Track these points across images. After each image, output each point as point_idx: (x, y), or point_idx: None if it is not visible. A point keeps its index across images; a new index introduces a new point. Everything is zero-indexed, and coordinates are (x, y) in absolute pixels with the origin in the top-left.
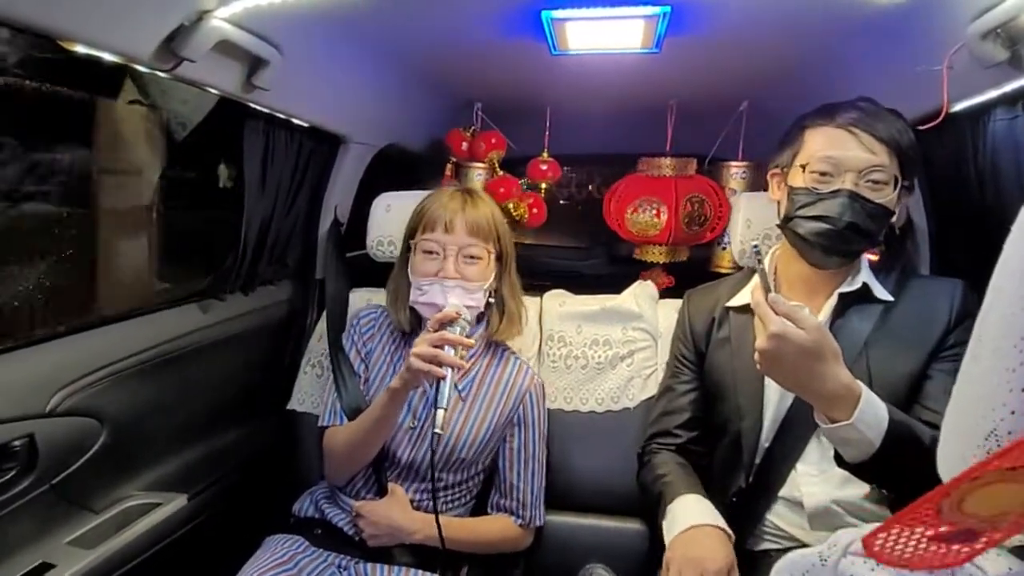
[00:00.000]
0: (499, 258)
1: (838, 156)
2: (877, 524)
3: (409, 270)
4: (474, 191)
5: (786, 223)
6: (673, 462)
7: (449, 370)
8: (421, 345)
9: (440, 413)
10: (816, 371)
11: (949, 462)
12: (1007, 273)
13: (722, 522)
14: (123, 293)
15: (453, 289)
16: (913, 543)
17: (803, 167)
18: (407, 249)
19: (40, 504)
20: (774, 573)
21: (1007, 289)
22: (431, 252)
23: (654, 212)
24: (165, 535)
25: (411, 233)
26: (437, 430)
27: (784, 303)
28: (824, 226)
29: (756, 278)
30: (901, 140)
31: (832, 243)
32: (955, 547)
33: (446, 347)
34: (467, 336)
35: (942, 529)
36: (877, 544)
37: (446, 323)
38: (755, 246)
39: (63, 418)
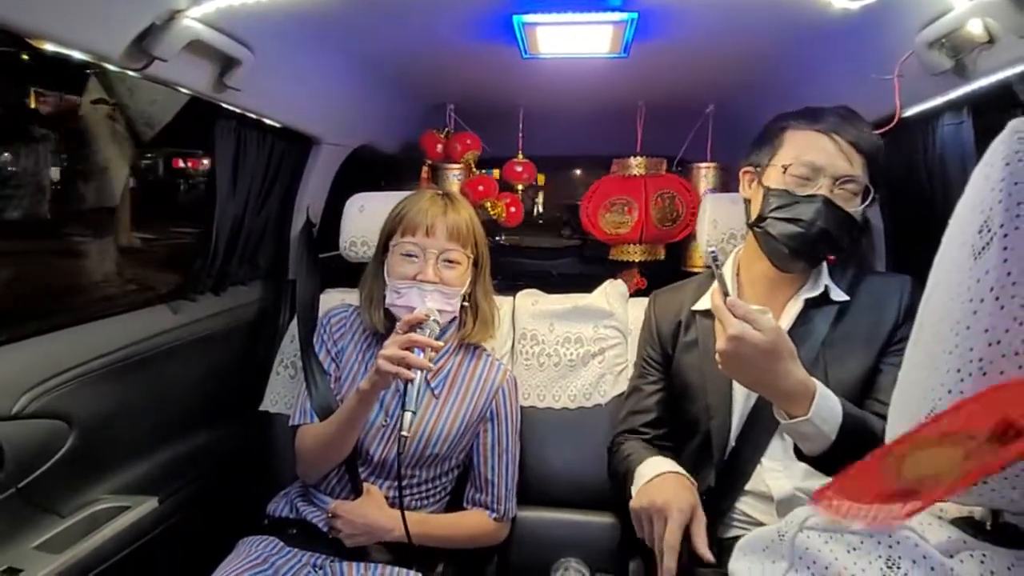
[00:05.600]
0: (475, 263)
1: (818, 161)
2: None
3: (386, 272)
4: (453, 195)
5: (758, 222)
6: (639, 444)
7: (418, 372)
8: (390, 347)
9: (407, 416)
10: (773, 370)
11: None
12: (944, 264)
13: (685, 472)
14: None
15: (431, 293)
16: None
17: (784, 168)
18: (383, 251)
19: (6, 508)
20: (736, 550)
21: (944, 279)
22: (410, 255)
23: (625, 210)
24: (135, 538)
25: (389, 235)
26: (404, 433)
27: (742, 306)
28: (796, 229)
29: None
30: (876, 153)
31: (801, 247)
32: (896, 505)
33: (415, 349)
34: (438, 335)
35: (884, 488)
36: (825, 500)
37: (415, 325)
38: (713, 251)
39: (30, 420)
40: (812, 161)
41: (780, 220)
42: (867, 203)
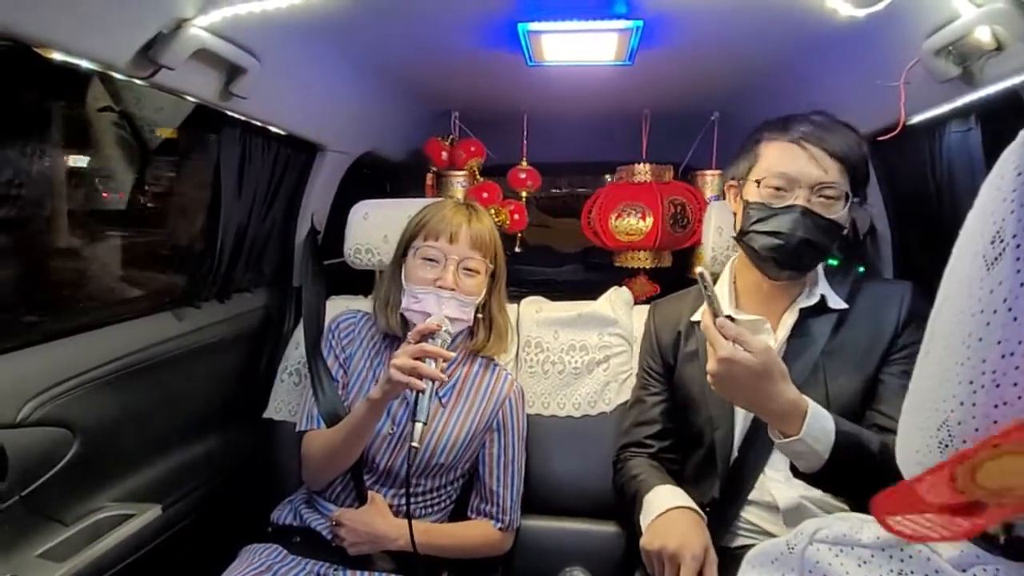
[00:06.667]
0: (492, 275)
1: (791, 172)
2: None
3: (404, 276)
4: (476, 205)
5: (742, 236)
6: (646, 464)
7: (428, 383)
8: (401, 357)
9: (418, 427)
10: (765, 391)
11: (906, 455)
12: (955, 276)
13: (695, 506)
14: None
15: (448, 300)
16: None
17: (757, 182)
18: (403, 255)
19: (9, 516)
20: (745, 562)
21: (956, 290)
22: (432, 260)
23: (639, 215)
24: (139, 546)
25: (410, 239)
26: (414, 443)
27: (732, 327)
28: (777, 241)
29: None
30: (852, 155)
31: (785, 258)
32: (959, 520)
33: (426, 359)
34: (449, 344)
35: (950, 502)
36: (886, 511)
37: (427, 335)
38: (701, 272)
39: (34, 428)
40: (785, 172)
41: (761, 233)
42: (847, 206)
